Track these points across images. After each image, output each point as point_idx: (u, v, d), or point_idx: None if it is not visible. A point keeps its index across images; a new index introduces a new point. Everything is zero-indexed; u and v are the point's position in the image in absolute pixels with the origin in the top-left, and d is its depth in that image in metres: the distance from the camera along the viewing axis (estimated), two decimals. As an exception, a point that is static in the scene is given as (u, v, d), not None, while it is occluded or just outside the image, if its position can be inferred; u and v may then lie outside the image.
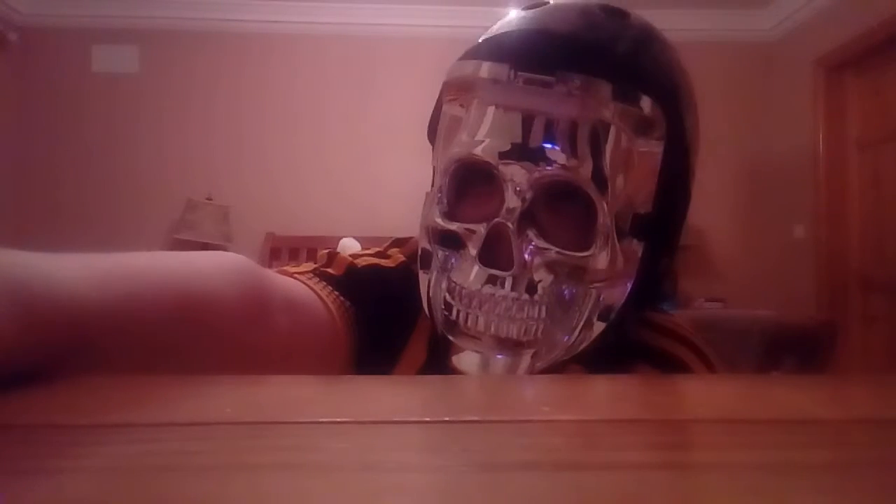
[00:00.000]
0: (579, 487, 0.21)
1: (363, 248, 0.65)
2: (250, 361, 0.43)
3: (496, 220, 0.46)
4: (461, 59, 0.52)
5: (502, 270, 0.46)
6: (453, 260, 0.48)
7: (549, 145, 0.45)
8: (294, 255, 3.56)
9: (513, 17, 0.51)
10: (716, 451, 0.26)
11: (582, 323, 0.47)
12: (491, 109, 0.47)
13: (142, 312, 0.38)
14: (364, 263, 0.56)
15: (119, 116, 3.60)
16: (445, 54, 3.12)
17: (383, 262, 0.57)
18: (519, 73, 0.45)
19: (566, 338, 0.47)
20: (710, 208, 3.64)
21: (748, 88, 3.74)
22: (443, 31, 3.66)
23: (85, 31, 3.60)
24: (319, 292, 0.50)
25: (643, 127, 0.47)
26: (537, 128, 0.45)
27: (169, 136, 3.61)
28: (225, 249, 3.52)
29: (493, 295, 0.46)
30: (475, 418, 0.30)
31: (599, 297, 0.47)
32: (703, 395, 0.41)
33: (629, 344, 0.54)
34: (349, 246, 3.08)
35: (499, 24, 0.53)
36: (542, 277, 0.46)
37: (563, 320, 0.47)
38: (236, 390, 0.41)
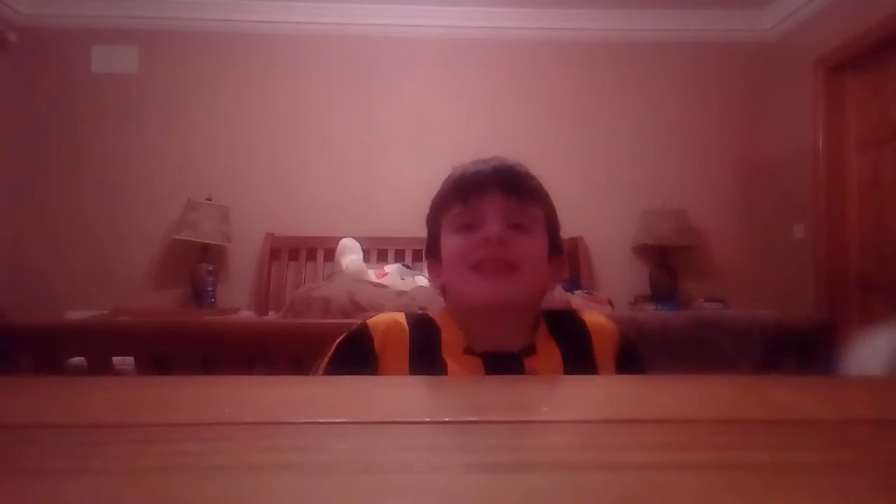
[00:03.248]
0: (579, 487, 0.21)
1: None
2: None
3: None
4: None
5: None
6: None
7: None
8: (294, 256, 3.56)
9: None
10: (716, 451, 0.26)
11: None
12: None
13: None
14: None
15: (119, 116, 3.59)
16: (446, 54, 3.13)
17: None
18: None
19: None
20: (710, 208, 3.64)
21: (747, 88, 3.74)
22: (443, 31, 3.66)
23: (85, 31, 3.60)
24: None
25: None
26: None
27: (169, 136, 3.60)
28: (225, 250, 3.53)
29: None
30: (475, 418, 0.30)
31: None
32: (703, 395, 0.41)
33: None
34: (349, 246, 3.07)
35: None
36: None
37: None
38: (236, 391, 0.41)
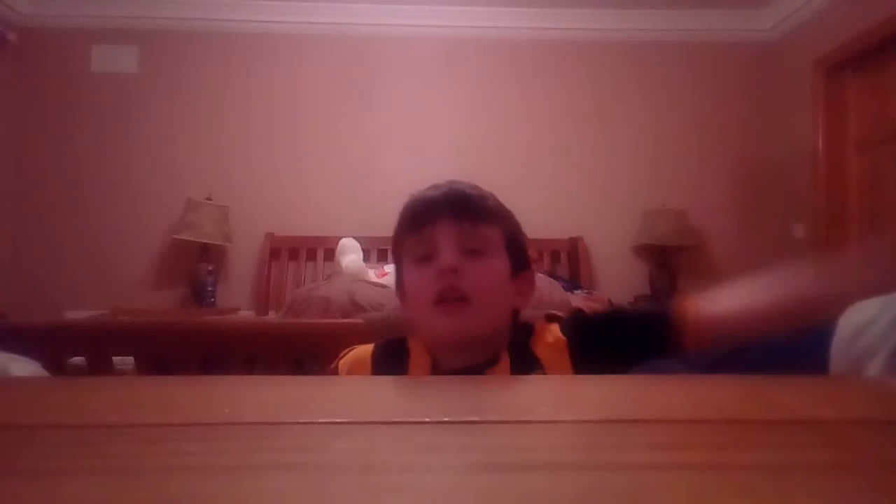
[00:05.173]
0: (579, 487, 0.21)
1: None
2: None
3: None
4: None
5: None
6: None
7: None
8: (294, 256, 3.56)
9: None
10: (716, 451, 0.26)
11: None
12: None
13: None
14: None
15: (118, 116, 3.59)
16: (445, 54, 3.13)
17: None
18: None
19: None
20: (710, 208, 3.64)
21: (747, 88, 3.74)
22: (443, 31, 3.66)
23: (85, 31, 3.60)
24: None
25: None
26: None
27: (168, 136, 3.60)
28: (225, 250, 3.53)
29: None
30: (475, 418, 0.30)
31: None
32: (703, 395, 0.41)
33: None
34: (348, 246, 3.07)
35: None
36: None
37: None
38: (236, 391, 0.41)
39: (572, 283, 3.20)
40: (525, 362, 0.78)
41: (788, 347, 0.74)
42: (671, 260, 3.55)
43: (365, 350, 0.84)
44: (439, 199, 0.81)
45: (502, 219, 0.83)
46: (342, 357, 0.86)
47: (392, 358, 0.82)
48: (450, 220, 0.78)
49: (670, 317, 0.76)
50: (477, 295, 0.76)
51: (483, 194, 0.84)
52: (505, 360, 0.78)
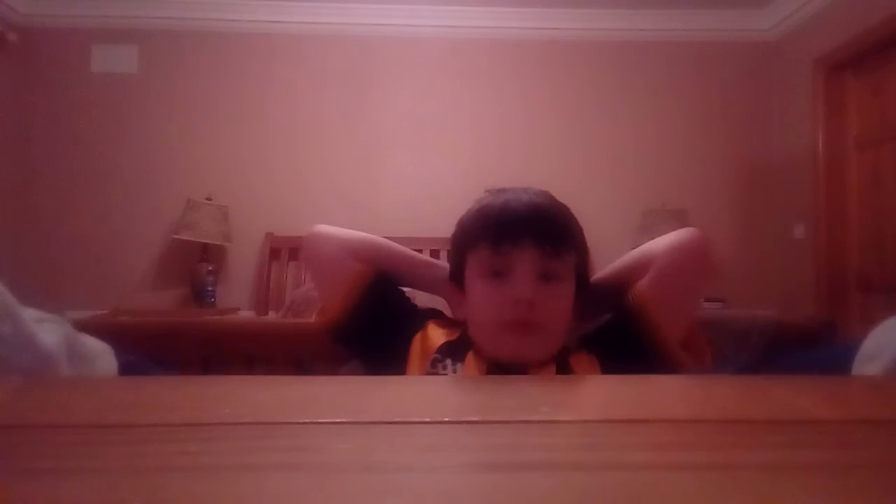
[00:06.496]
0: (580, 487, 0.21)
1: None
2: None
3: None
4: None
5: None
6: None
7: None
8: (294, 255, 3.55)
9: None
10: (717, 451, 0.26)
11: None
12: None
13: None
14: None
15: (118, 116, 3.59)
16: (446, 54, 3.14)
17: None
18: None
19: None
20: (710, 208, 3.64)
21: (748, 88, 3.74)
22: (443, 31, 3.66)
23: (84, 31, 3.60)
24: None
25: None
26: None
27: (168, 136, 3.60)
28: (225, 250, 3.52)
29: None
30: (475, 418, 0.30)
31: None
32: (705, 395, 0.41)
33: None
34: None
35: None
36: None
37: None
38: (236, 391, 0.41)
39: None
40: (564, 373, 0.79)
41: (822, 356, 0.77)
42: (671, 260, 3.55)
43: (440, 337, 0.84)
44: (523, 217, 0.78)
45: (578, 242, 0.82)
46: (433, 319, 0.86)
47: (458, 349, 0.81)
48: (532, 245, 0.76)
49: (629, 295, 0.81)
50: (548, 324, 0.76)
51: (563, 212, 0.83)
52: (551, 366, 0.78)
